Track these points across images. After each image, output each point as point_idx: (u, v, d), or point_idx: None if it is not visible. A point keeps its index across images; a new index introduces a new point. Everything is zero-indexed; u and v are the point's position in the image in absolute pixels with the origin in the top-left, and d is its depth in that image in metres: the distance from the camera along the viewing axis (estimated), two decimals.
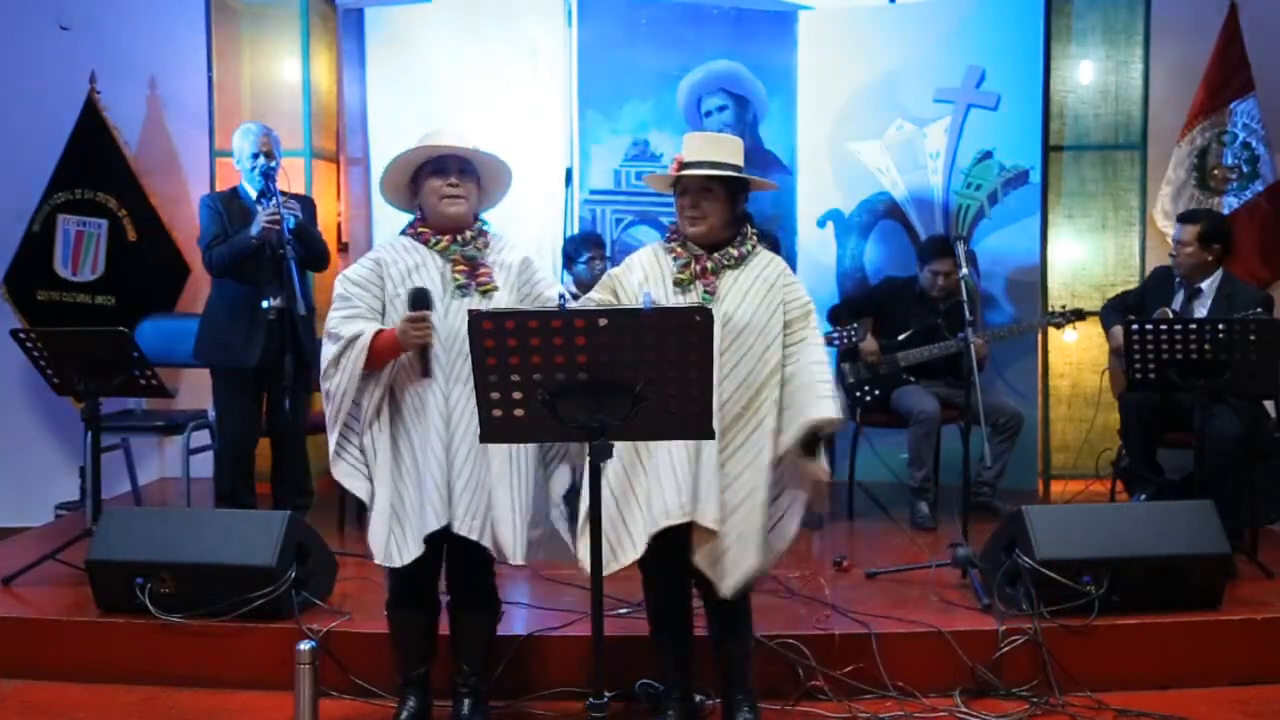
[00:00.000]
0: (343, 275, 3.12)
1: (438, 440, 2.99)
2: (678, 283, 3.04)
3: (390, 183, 3.14)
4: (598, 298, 3.11)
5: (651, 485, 2.94)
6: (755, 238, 3.11)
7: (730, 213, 3.05)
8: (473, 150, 3.08)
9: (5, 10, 5.99)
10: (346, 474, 3.07)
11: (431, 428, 3.00)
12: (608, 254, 5.10)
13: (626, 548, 2.96)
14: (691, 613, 3.18)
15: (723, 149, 3.04)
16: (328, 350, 3.02)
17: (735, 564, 2.95)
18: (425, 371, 3.00)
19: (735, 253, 3.04)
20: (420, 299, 2.96)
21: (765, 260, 3.08)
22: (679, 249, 3.07)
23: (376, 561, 3.06)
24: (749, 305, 3.00)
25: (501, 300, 3.06)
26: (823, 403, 2.94)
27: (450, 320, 3.01)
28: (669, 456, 2.92)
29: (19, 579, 4.02)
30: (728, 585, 2.95)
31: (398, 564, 3.02)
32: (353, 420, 3.05)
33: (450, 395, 3.01)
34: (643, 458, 2.96)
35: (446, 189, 3.05)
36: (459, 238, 3.08)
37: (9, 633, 3.68)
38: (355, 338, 2.97)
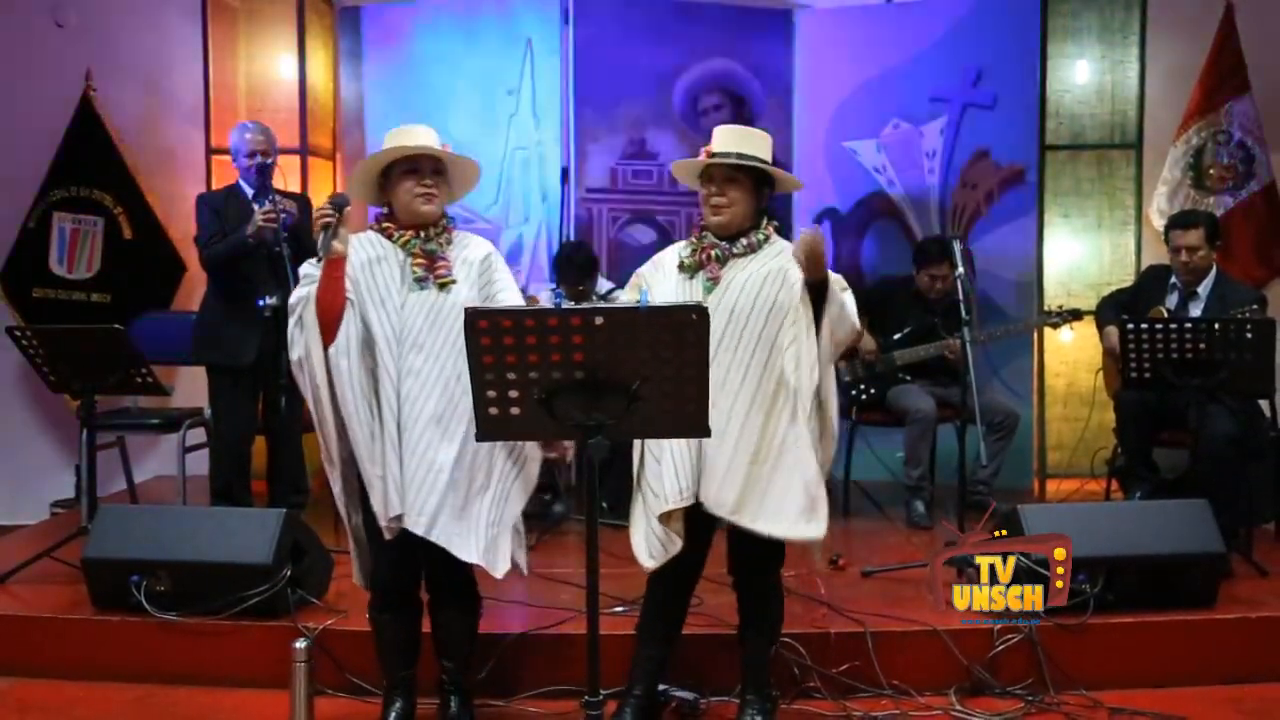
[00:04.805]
0: (310, 261, 3.12)
1: (391, 432, 2.95)
2: (682, 267, 3.06)
3: (360, 179, 3.13)
4: (625, 299, 3.13)
5: (663, 472, 2.97)
6: (773, 228, 3.09)
7: (754, 204, 3.05)
8: (445, 151, 3.09)
9: (1, 7, 5.98)
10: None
11: (386, 416, 2.95)
12: (600, 271, 5.06)
13: (674, 539, 2.97)
14: (685, 613, 3.19)
15: (751, 143, 3.04)
16: (291, 326, 3.03)
17: (771, 504, 2.93)
18: (324, 248, 2.97)
19: (746, 241, 3.03)
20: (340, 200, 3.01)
21: (777, 249, 3.06)
22: (695, 239, 3.09)
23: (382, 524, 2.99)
24: (749, 293, 2.98)
25: (461, 294, 3.03)
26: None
27: (407, 313, 2.99)
28: (672, 443, 2.96)
29: (14, 577, 4.02)
30: (764, 526, 2.92)
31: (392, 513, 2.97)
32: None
33: (401, 389, 2.96)
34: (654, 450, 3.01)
35: (419, 188, 3.06)
36: (422, 233, 3.08)
37: (4, 630, 3.68)
38: (305, 297, 3.00)
